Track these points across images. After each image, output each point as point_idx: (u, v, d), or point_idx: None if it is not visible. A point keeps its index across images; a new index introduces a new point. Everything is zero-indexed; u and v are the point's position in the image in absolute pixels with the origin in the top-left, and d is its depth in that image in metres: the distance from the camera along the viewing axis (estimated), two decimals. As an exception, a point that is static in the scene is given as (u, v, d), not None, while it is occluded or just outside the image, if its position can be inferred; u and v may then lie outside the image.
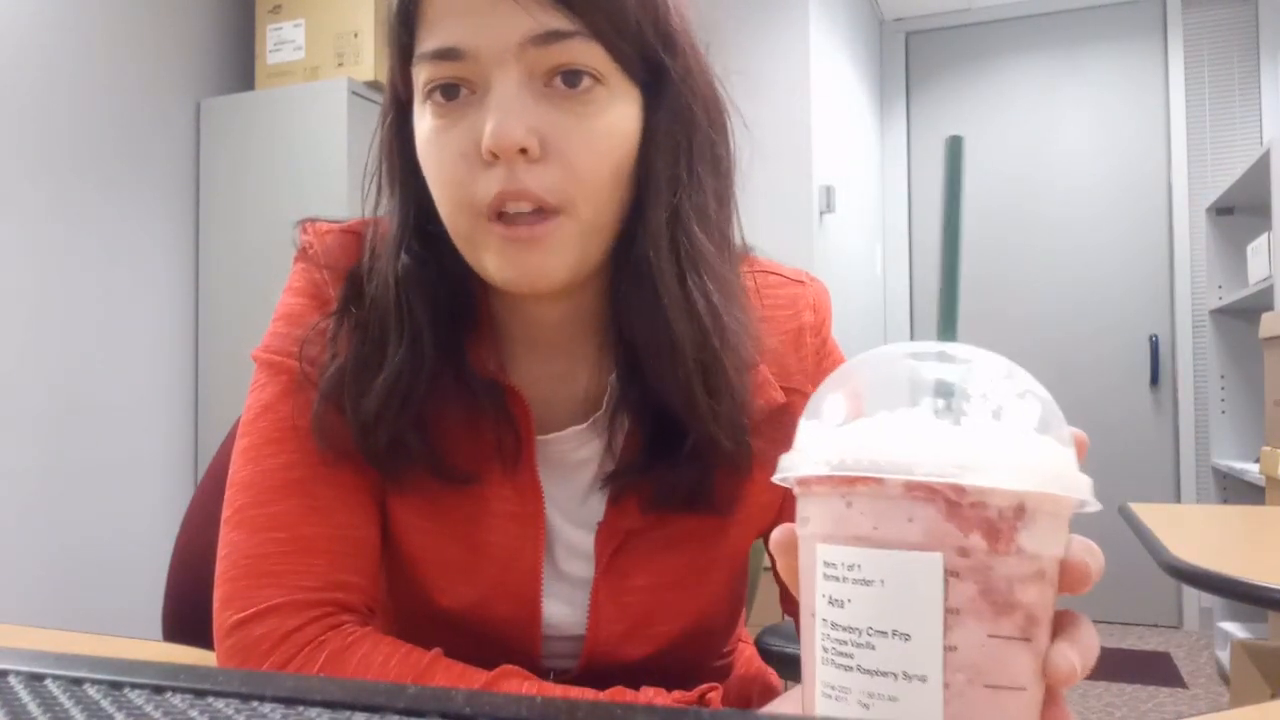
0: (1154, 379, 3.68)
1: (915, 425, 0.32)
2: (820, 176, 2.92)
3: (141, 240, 2.29)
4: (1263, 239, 2.75)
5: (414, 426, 0.61)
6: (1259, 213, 3.05)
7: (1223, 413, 3.35)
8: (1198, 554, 1.02)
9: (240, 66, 2.57)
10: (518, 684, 0.58)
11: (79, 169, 2.14)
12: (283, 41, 2.43)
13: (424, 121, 0.58)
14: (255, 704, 0.30)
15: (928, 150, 4.05)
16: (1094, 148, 3.82)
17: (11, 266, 1.99)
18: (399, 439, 0.61)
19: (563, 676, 0.68)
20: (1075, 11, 3.85)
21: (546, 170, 0.55)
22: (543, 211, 0.56)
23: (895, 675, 0.30)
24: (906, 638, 0.30)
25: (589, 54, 0.55)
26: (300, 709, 0.29)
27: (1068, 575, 0.33)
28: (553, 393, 0.66)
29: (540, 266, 0.57)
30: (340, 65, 2.36)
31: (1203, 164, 3.64)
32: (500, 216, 0.56)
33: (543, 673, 0.67)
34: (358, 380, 0.61)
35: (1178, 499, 3.63)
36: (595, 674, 0.66)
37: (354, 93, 2.28)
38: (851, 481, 0.31)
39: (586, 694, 0.58)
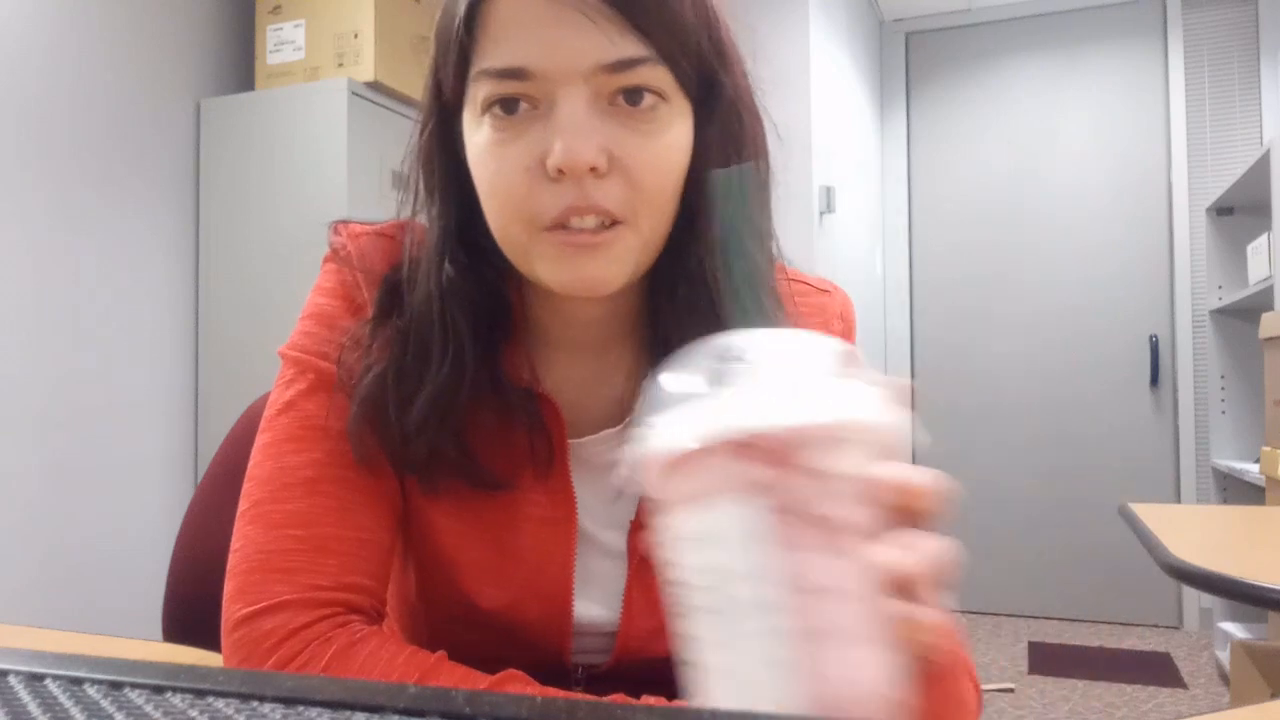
0: (1154, 379, 3.68)
1: (718, 390, 0.34)
2: (820, 176, 2.92)
3: (141, 240, 2.29)
4: (1263, 239, 2.75)
5: (452, 436, 0.62)
6: (1259, 213, 3.05)
7: (1223, 413, 3.35)
8: (1198, 554, 1.02)
9: (240, 66, 2.57)
10: (519, 689, 0.58)
11: (79, 169, 2.14)
12: (283, 42, 2.43)
13: (479, 134, 0.58)
14: (255, 704, 0.30)
15: (928, 150, 4.05)
16: (1094, 148, 3.82)
17: (11, 266, 1.99)
18: (437, 449, 0.62)
19: (593, 671, 0.68)
20: (1075, 11, 3.85)
21: (612, 185, 0.56)
22: (604, 225, 0.57)
23: (737, 605, 0.33)
24: (736, 571, 0.33)
25: (655, 77, 0.56)
26: (300, 709, 0.29)
27: (891, 492, 0.35)
28: (586, 396, 0.67)
29: (599, 273, 0.57)
30: (340, 65, 2.36)
31: (1203, 164, 3.64)
32: (559, 228, 0.56)
33: (571, 670, 0.68)
34: (399, 392, 0.61)
35: (1178, 499, 3.63)
36: (625, 670, 0.67)
37: (354, 93, 2.28)
38: (673, 463, 0.34)
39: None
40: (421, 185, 0.64)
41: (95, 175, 2.17)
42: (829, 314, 0.72)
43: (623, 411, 0.67)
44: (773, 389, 0.34)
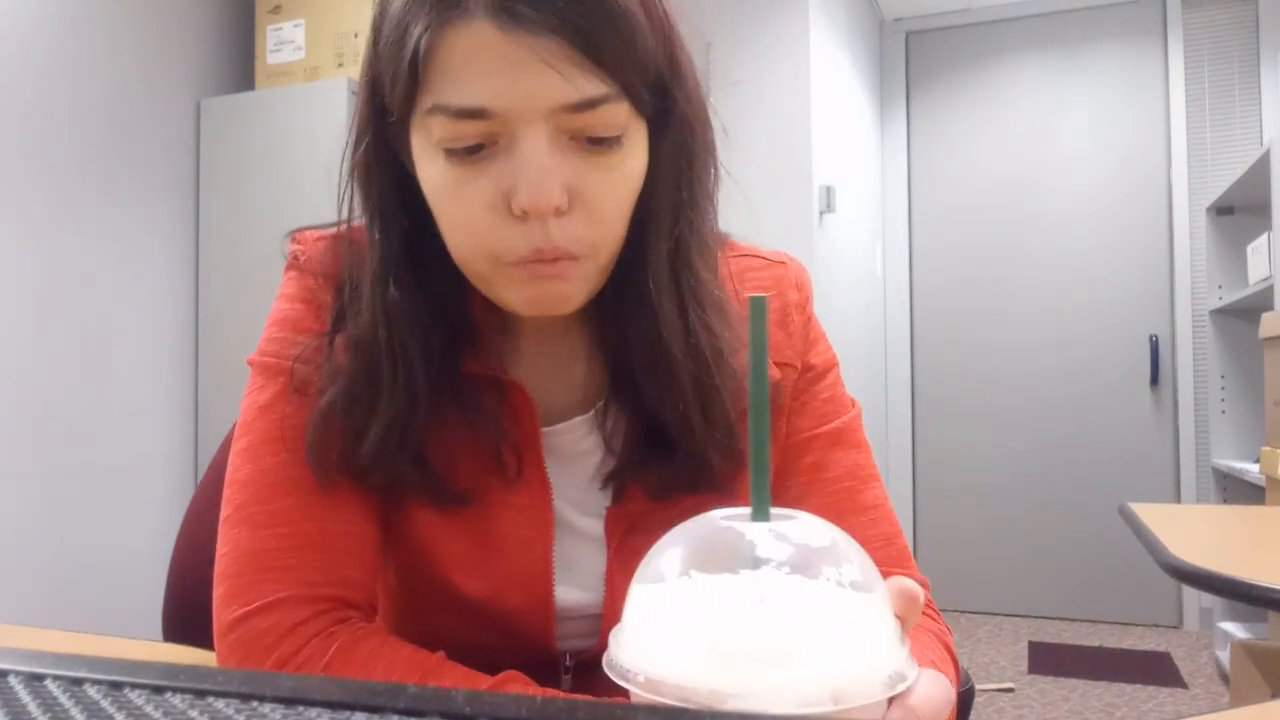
0: (1154, 379, 3.68)
1: (702, 632, 0.34)
2: (820, 176, 2.92)
3: (141, 240, 2.29)
4: (1263, 239, 2.75)
5: (412, 459, 0.62)
6: (1259, 213, 3.05)
7: (1223, 413, 3.35)
8: (1198, 554, 1.02)
9: (240, 66, 2.57)
10: (520, 689, 0.58)
11: (79, 169, 2.13)
12: (283, 41, 2.43)
13: (435, 166, 0.56)
14: (255, 704, 0.30)
15: (928, 150, 4.05)
16: (1094, 148, 3.82)
17: (12, 266, 1.98)
18: (398, 474, 0.62)
19: (580, 656, 0.69)
20: (1075, 11, 3.85)
21: (574, 223, 0.56)
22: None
23: None
24: None
25: (618, 114, 0.55)
26: (300, 709, 0.29)
27: None
28: (553, 386, 0.68)
29: (560, 297, 0.58)
30: (340, 65, 2.36)
31: (1203, 164, 3.64)
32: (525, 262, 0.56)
33: (559, 656, 0.68)
34: (351, 421, 0.61)
35: (1178, 499, 3.63)
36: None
37: (354, 93, 2.28)
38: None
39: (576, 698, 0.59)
40: (359, 202, 0.63)
41: (95, 175, 2.17)
42: (785, 285, 0.72)
43: (589, 400, 0.68)
44: (773, 656, 0.33)
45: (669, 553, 0.37)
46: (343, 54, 2.36)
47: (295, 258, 0.69)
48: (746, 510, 0.38)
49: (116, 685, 0.32)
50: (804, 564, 0.35)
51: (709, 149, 0.64)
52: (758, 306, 0.39)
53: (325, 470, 0.61)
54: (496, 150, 0.55)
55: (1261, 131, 3.55)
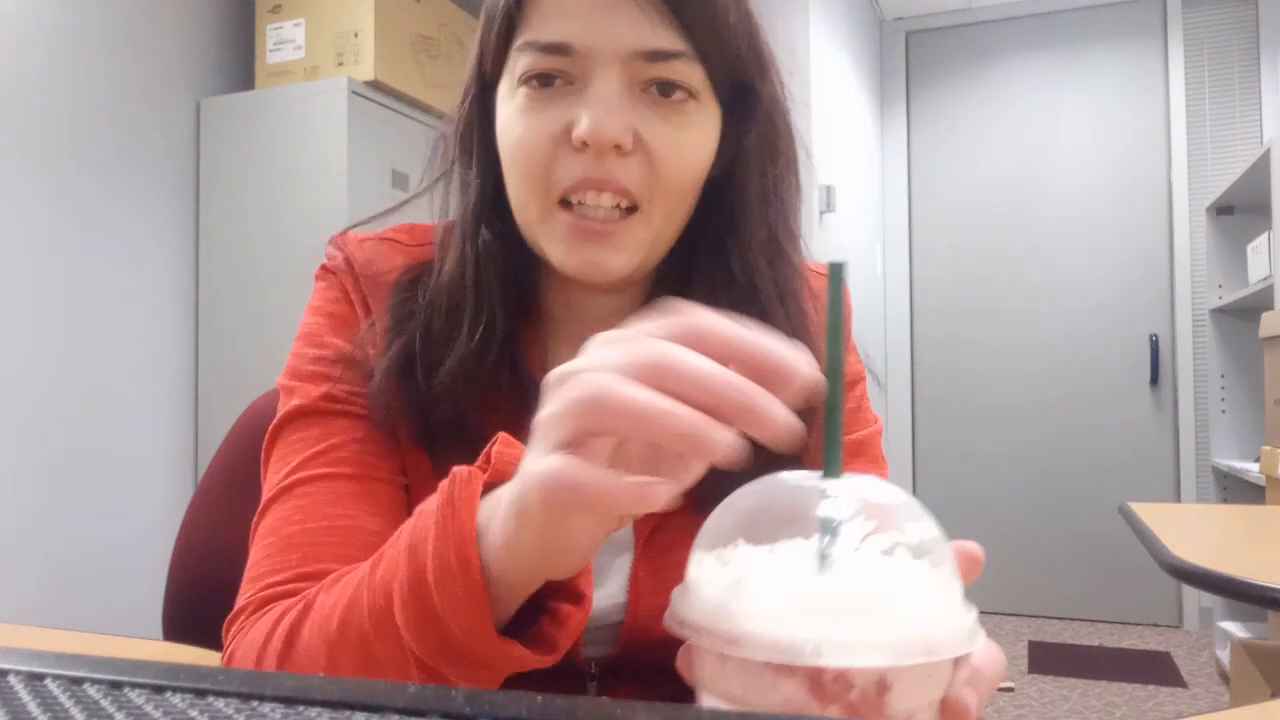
0: (1154, 379, 3.68)
1: (784, 586, 0.33)
2: (820, 176, 2.92)
3: (141, 240, 2.29)
4: (1263, 239, 2.75)
5: (475, 406, 0.62)
6: (1259, 212, 3.05)
7: (1223, 412, 3.35)
8: (1198, 554, 1.02)
9: (240, 66, 2.57)
10: (504, 449, 0.52)
11: (79, 169, 2.13)
12: (283, 41, 2.43)
13: (512, 103, 0.60)
14: (255, 703, 0.30)
15: (928, 150, 4.05)
16: (1094, 148, 3.82)
17: (12, 266, 1.98)
18: (459, 418, 0.62)
19: (601, 662, 0.68)
20: (1075, 11, 3.85)
21: (634, 165, 0.58)
22: (619, 207, 0.58)
23: None
24: None
25: (690, 73, 0.58)
26: (300, 708, 0.29)
27: (948, 711, 0.35)
28: None
29: (606, 260, 0.59)
30: (340, 65, 2.36)
31: (1203, 164, 3.64)
32: (570, 206, 0.58)
33: (581, 661, 0.68)
34: (427, 354, 0.62)
35: (1178, 499, 3.63)
36: (632, 655, 0.66)
37: (354, 92, 2.28)
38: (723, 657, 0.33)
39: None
40: (458, 150, 0.66)
41: (96, 175, 2.17)
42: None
43: None
44: (855, 605, 0.32)
45: (739, 513, 0.37)
46: (343, 53, 2.36)
47: (327, 260, 0.69)
48: (814, 472, 0.37)
49: (116, 685, 0.32)
50: (881, 520, 0.35)
51: (790, 159, 0.67)
52: (836, 272, 0.38)
53: (386, 414, 0.61)
54: (571, 90, 0.58)
55: (1261, 131, 3.55)
